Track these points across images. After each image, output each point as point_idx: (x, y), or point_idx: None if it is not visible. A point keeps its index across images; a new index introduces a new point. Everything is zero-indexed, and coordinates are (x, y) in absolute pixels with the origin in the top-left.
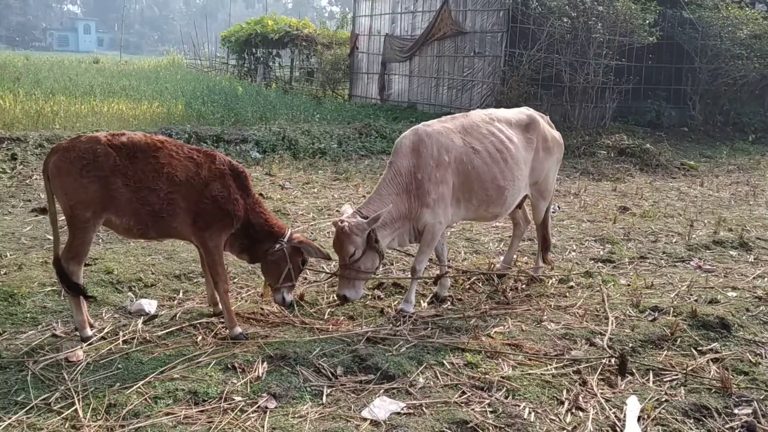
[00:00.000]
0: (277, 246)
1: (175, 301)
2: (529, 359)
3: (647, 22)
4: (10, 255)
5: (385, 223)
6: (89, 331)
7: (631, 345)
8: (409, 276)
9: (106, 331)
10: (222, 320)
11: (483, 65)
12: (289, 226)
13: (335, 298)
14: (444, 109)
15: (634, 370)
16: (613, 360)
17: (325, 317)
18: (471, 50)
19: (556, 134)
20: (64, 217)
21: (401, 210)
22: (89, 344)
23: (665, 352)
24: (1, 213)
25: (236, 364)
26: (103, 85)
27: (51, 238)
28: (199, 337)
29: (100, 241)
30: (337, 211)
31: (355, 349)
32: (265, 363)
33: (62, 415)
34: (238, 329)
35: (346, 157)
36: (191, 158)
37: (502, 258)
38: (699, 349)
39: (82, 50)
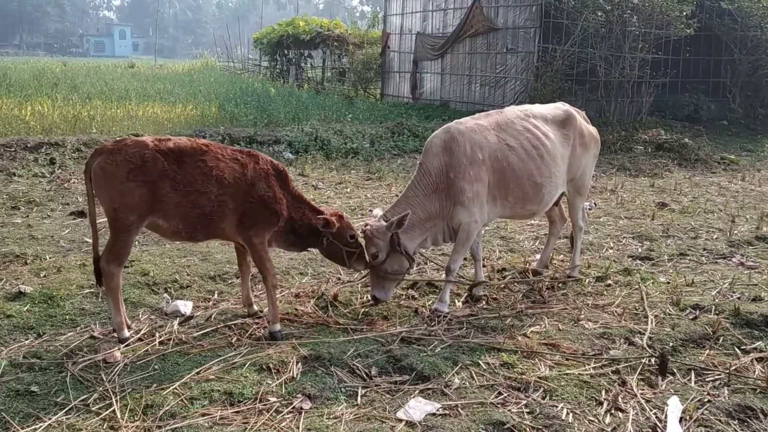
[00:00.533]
0: (324, 240)
1: (210, 302)
2: (567, 359)
3: (684, 13)
4: (50, 258)
5: (412, 224)
6: (127, 333)
7: (671, 344)
8: (444, 276)
9: (142, 332)
10: (256, 321)
11: (516, 61)
12: (326, 212)
13: (369, 298)
14: (477, 106)
15: (675, 370)
16: (653, 359)
17: (359, 317)
18: (503, 47)
19: (593, 130)
20: (105, 220)
21: (431, 210)
22: (126, 345)
23: (707, 351)
24: (41, 216)
25: (271, 365)
26: (138, 89)
27: (89, 241)
28: (234, 338)
29: (136, 243)
30: (369, 211)
31: (390, 349)
32: (300, 364)
33: (101, 416)
34: (278, 326)
35: (379, 156)
36: (236, 159)
37: (537, 257)
38: (742, 348)
39: (118, 55)
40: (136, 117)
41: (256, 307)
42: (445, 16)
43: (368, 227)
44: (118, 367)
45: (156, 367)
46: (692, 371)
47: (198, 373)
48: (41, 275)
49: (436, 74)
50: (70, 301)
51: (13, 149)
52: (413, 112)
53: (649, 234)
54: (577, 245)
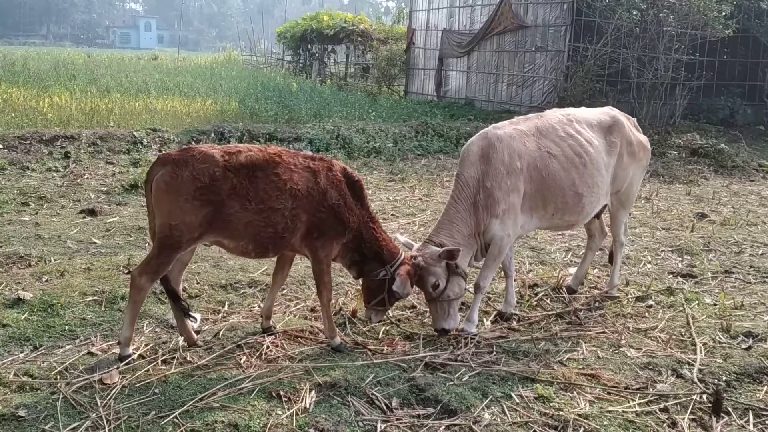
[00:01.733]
0: (383, 273)
1: (220, 315)
2: (608, 393)
3: (722, 13)
4: (54, 260)
5: (460, 244)
6: (130, 350)
7: (725, 378)
8: (473, 293)
9: (144, 348)
10: (271, 339)
11: (545, 60)
12: (403, 252)
13: (434, 331)
14: (503, 106)
15: (731, 409)
16: (705, 396)
17: (380, 336)
18: (532, 45)
19: (643, 138)
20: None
21: (472, 226)
22: (127, 364)
23: (765, 388)
24: (50, 214)
25: (282, 393)
26: (158, 83)
27: (97, 242)
28: (243, 359)
29: (146, 245)
30: (392, 215)
31: (413, 377)
32: (313, 392)
33: None
34: (339, 339)
35: (402, 156)
36: (308, 168)
37: (571, 271)
38: None
39: (143, 47)
40: (155, 111)
41: (271, 322)
42: (472, 12)
43: (420, 257)
44: (115, 390)
45: (156, 390)
46: (750, 411)
47: (201, 399)
48: (43, 279)
49: (461, 72)
50: (71, 309)
51: (28, 142)
52: (437, 110)
53: (690, 248)
54: (617, 262)
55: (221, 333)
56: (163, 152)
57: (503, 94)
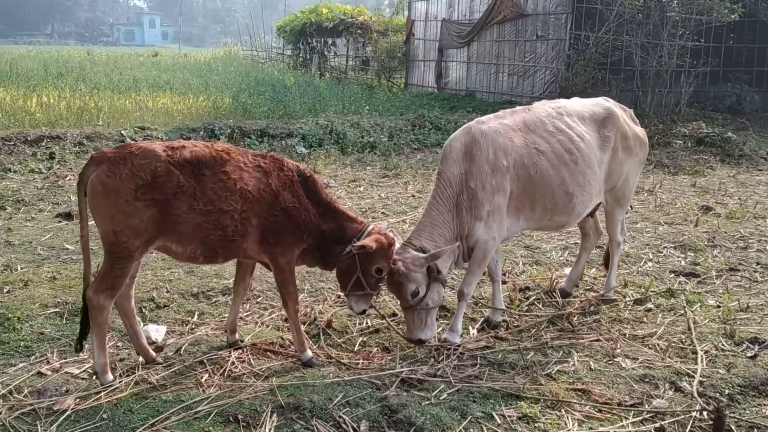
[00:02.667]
0: (347, 249)
1: (188, 326)
2: (599, 410)
3: None
4: (21, 268)
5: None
6: (110, 376)
7: (727, 391)
8: (456, 300)
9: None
10: (237, 355)
11: (546, 49)
12: (369, 224)
13: (408, 341)
14: (504, 97)
15: (733, 427)
16: (705, 413)
17: (355, 349)
18: (533, 34)
19: (639, 131)
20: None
21: (454, 229)
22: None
23: None
24: (25, 218)
25: (240, 416)
26: (150, 80)
27: (70, 248)
28: (205, 377)
29: None
30: (382, 213)
31: (385, 396)
32: (275, 415)
33: None
34: (309, 353)
35: (398, 151)
36: (259, 167)
37: (567, 272)
38: None
39: (148, 44)
40: (146, 108)
41: (237, 336)
42: (471, 1)
43: (401, 261)
44: (62, 416)
45: (105, 416)
46: (755, 430)
47: (153, 425)
48: (4, 291)
49: (462, 63)
50: (30, 323)
51: (12, 143)
52: (437, 102)
53: (693, 243)
54: (614, 263)
55: (184, 348)
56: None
57: (504, 84)
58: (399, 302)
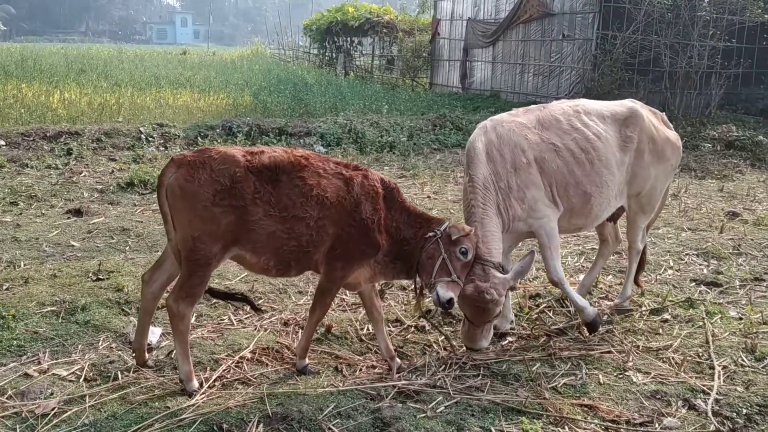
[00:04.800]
0: (430, 234)
1: None
2: (606, 428)
3: None
4: (24, 265)
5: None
6: (196, 384)
7: (745, 411)
8: (556, 287)
9: (89, 367)
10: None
11: (572, 49)
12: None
13: (470, 350)
14: (529, 97)
15: None
16: None
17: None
18: (559, 33)
19: (672, 135)
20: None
21: (503, 224)
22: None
23: None
24: (35, 214)
25: (225, 425)
26: (171, 77)
27: (75, 245)
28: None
29: (127, 248)
30: None
31: (379, 407)
32: (261, 425)
33: None
34: (306, 362)
35: (417, 151)
36: (340, 174)
37: (580, 278)
38: None
39: (180, 42)
40: (166, 105)
41: (397, 362)
42: (497, 1)
43: (492, 289)
44: (43, 420)
45: (87, 421)
46: None
47: None
48: (3, 288)
49: (487, 63)
50: (25, 321)
51: (31, 138)
52: (460, 103)
53: (717, 251)
54: (631, 272)
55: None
56: (178, 153)
57: (529, 84)
58: (471, 319)
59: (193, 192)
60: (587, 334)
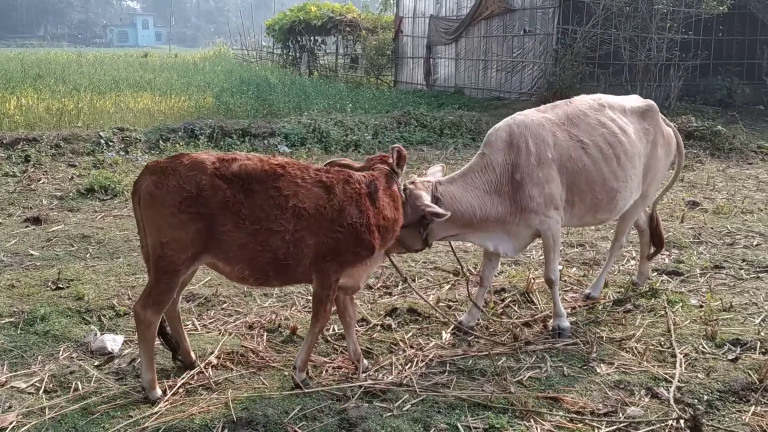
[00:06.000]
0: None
1: None
2: (571, 420)
3: None
4: None
5: (454, 215)
6: (159, 392)
7: (706, 398)
8: (549, 286)
9: (49, 379)
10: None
11: (534, 44)
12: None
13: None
14: (493, 93)
15: None
16: (682, 422)
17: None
18: (520, 29)
19: (672, 130)
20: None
21: (483, 210)
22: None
23: (753, 408)
24: None
25: None
26: (131, 80)
27: (35, 254)
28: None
29: (88, 256)
30: None
31: (345, 408)
32: (226, 431)
33: None
34: (304, 375)
35: (382, 149)
36: (320, 182)
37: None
38: None
39: (141, 45)
40: (127, 109)
41: (365, 363)
42: None
43: (411, 186)
44: None
45: None
46: None
47: None
48: None
49: (450, 59)
50: None
51: None
52: (424, 100)
53: (678, 240)
54: (609, 263)
55: (139, 360)
56: (152, 160)
57: (492, 80)
58: None
59: (161, 198)
60: (550, 329)
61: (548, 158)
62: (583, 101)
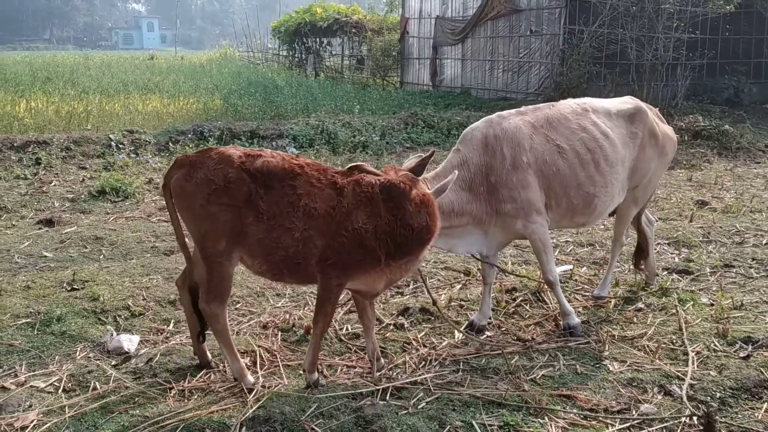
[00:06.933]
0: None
1: (162, 335)
2: (584, 417)
3: None
4: None
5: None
6: (251, 378)
7: (719, 395)
8: (550, 288)
9: (68, 378)
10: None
11: (540, 45)
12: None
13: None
14: (499, 93)
15: None
16: (695, 419)
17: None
18: (527, 29)
19: (668, 129)
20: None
21: (465, 208)
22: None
23: (765, 405)
24: (5, 226)
25: (208, 430)
26: (139, 82)
27: (48, 255)
28: (173, 390)
29: (101, 257)
30: None
31: (360, 406)
32: (244, 428)
33: None
34: (316, 375)
35: (389, 150)
36: (334, 183)
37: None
38: None
39: (147, 47)
40: (136, 111)
41: (382, 362)
42: None
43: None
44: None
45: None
46: None
47: None
48: None
49: (456, 60)
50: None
51: None
52: (431, 100)
53: (688, 239)
54: (613, 263)
55: (156, 359)
56: (181, 154)
57: (499, 81)
58: None
59: (191, 191)
60: (561, 327)
61: (524, 162)
62: (566, 105)
